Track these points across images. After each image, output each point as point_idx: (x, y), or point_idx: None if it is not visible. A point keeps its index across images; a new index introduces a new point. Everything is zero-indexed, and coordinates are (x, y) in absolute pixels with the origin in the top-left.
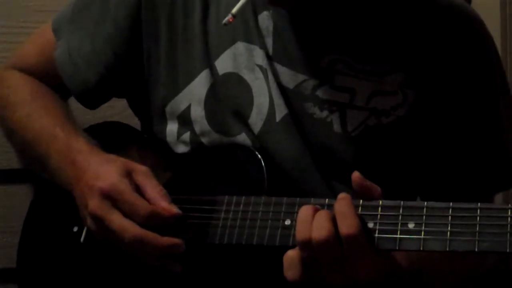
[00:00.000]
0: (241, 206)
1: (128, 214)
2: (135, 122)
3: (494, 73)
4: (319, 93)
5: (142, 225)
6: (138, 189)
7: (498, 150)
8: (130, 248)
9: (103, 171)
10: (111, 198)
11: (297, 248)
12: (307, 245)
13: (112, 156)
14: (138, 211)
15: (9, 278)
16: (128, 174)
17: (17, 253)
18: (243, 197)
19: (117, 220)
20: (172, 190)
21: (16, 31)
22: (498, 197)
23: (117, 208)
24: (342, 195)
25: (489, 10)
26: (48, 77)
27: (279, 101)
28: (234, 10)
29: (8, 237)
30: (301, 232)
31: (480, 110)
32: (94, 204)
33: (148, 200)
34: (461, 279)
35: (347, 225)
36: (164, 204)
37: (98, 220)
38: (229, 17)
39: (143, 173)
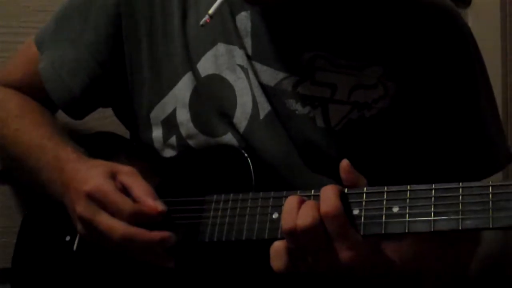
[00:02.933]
0: (229, 203)
1: (114, 214)
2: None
3: (472, 62)
4: (300, 89)
5: (129, 223)
6: (125, 190)
7: (480, 138)
8: (121, 247)
9: (88, 175)
10: (96, 200)
11: (283, 239)
12: (292, 234)
13: (98, 161)
14: (122, 210)
15: (8, 278)
16: (113, 176)
17: (11, 260)
18: (231, 195)
19: (104, 221)
20: (161, 194)
21: (16, 31)
22: (498, 177)
23: (103, 209)
24: (330, 185)
25: (489, 10)
26: (34, 91)
27: (261, 99)
28: (211, 11)
29: (8, 237)
30: (286, 221)
31: (461, 99)
32: (81, 207)
33: (134, 199)
34: (458, 274)
35: (327, 204)
36: (149, 202)
37: (87, 223)
38: (206, 18)
39: (128, 173)
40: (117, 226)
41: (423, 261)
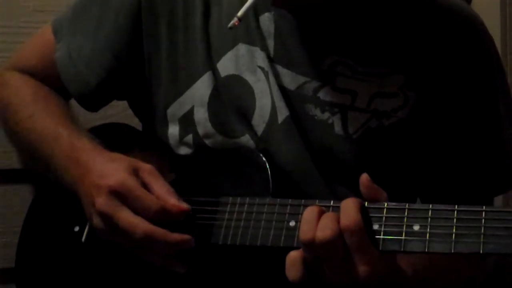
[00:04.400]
0: (246, 207)
1: (138, 210)
2: (136, 122)
3: (494, 75)
4: (321, 94)
5: (152, 222)
6: (145, 187)
7: (498, 152)
8: (138, 246)
9: (109, 169)
10: (119, 195)
11: (300, 249)
12: (310, 245)
13: (117, 155)
14: (148, 207)
15: (9, 278)
16: (135, 172)
17: (16, 253)
18: (247, 198)
19: (127, 217)
20: (176, 191)
21: (16, 31)
22: (498, 198)
23: (126, 205)
24: (351, 198)
25: (489, 10)
26: (49, 79)
27: (280, 103)
28: (239, 13)
29: (8, 237)
30: (305, 232)
31: (480, 112)
32: (102, 202)
33: (156, 198)
34: (467, 286)
35: (347, 218)
36: (173, 201)
37: (106, 218)
38: (235, 21)
39: (149, 171)
40: (140, 224)
41: (436, 273)
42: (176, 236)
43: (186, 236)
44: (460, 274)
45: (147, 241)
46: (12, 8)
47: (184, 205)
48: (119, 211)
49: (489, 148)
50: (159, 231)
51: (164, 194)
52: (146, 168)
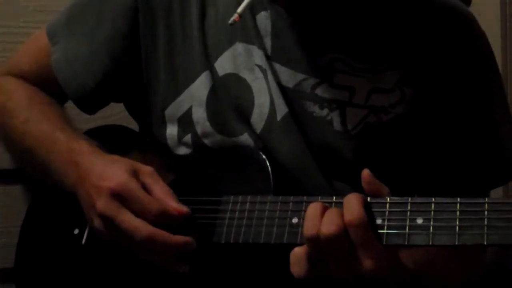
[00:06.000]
0: (247, 205)
1: (138, 213)
2: (134, 122)
3: (487, 69)
4: (319, 91)
5: (152, 224)
6: (145, 189)
7: (493, 146)
8: (141, 248)
9: (109, 171)
10: (120, 197)
11: (304, 245)
12: (315, 241)
13: (116, 157)
14: (149, 209)
15: (8, 278)
16: (135, 174)
17: (15, 255)
18: (249, 197)
19: (128, 219)
20: (175, 191)
21: (16, 31)
22: (498, 191)
23: (126, 207)
24: (354, 193)
25: (489, 10)
26: (44, 83)
27: (279, 101)
28: (240, 9)
29: (7, 237)
30: (309, 228)
31: (475, 107)
32: (103, 204)
33: (156, 200)
34: (466, 279)
35: (351, 212)
36: (174, 204)
37: (108, 220)
38: (235, 17)
39: (149, 174)
40: (142, 227)
41: (436, 266)
42: (178, 238)
43: (187, 238)
44: (460, 268)
45: (149, 243)
46: (12, 8)
47: (185, 208)
48: (120, 214)
49: (484, 142)
50: (161, 234)
51: (164, 196)
52: (146, 170)
